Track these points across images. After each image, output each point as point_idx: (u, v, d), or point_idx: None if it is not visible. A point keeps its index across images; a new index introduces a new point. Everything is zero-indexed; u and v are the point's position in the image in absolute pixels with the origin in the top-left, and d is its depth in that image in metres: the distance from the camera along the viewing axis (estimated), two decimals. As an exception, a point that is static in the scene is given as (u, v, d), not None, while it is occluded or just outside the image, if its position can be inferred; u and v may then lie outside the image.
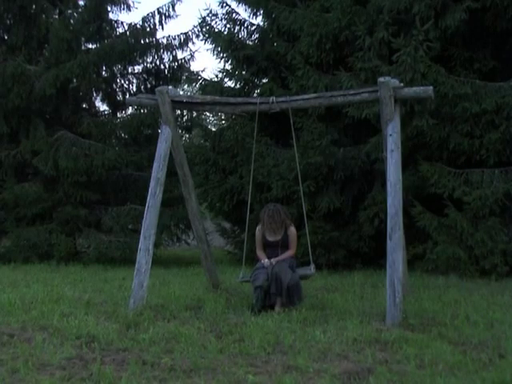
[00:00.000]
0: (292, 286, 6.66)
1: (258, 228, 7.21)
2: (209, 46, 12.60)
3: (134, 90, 14.36)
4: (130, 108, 14.40)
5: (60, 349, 4.91)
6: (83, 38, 13.57)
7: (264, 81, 12.59)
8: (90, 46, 14.06)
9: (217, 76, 12.88)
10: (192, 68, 14.72)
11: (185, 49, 14.25)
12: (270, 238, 7.09)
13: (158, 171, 7.16)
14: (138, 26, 13.53)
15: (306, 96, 7.42)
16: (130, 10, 14.30)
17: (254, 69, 12.37)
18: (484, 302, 7.10)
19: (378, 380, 4.13)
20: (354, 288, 8.33)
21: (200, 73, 13.45)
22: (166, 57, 14.28)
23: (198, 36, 13.70)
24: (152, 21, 13.59)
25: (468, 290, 8.20)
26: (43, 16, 13.54)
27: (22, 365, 4.43)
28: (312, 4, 11.17)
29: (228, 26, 12.76)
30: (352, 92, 7.06)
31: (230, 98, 8.18)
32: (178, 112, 12.15)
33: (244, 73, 12.58)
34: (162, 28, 13.85)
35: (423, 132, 10.01)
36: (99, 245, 12.36)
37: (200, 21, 12.85)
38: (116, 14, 14.29)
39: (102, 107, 15.24)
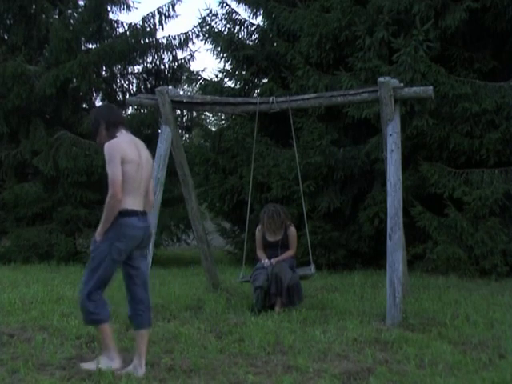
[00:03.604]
0: (292, 286, 6.66)
1: (257, 228, 7.20)
2: (209, 45, 12.61)
3: (134, 89, 14.36)
4: (130, 108, 14.40)
5: (60, 349, 4.91)
6: (83, 38, 13.56)
7: (264, 81, 12.59)
8: (90, 46, 14.06)
9: (217, 76, 12.87)
10: (192, 68, 14.74)
11: (185, 49, 14.25)
12: (270, 239, 7.09)
13: (158, 171, 7.16)
14: (138, 26, 13.53)
15: (306, 96, 7.42)
16: (130, 10, 14.31)
17: (253, 69, 12.36)
18: (484, 302, 7.10)
19: (378, 380, 4.13)
20: (354, 288, 8.33)
21: (200, 73, 13.43)
22: (166, 57, 14.29)
23: (198, 36, 13.70)
24: (152, 21, 13.59)
25: (468, 289, 8.20)
26: (43, 16, 13.54)
27: (22, 365, 4.43)
28: (312, 4, 11.17)
29: (228, 26, 12.76)
30: (352, 92, 7.06)
31: (230, 97, 8.18)
32: (178, 112, 12.14)
33: (244, 73, 12.57)
34: (162, 28, 13.87)
35: (423, 132, 10.01)
36: (99, 245, 12.35)
37: (200, 21, 12.84)
38: (116, 14, 14.34)
39: (102, 107, 15.23)
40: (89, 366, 4.37)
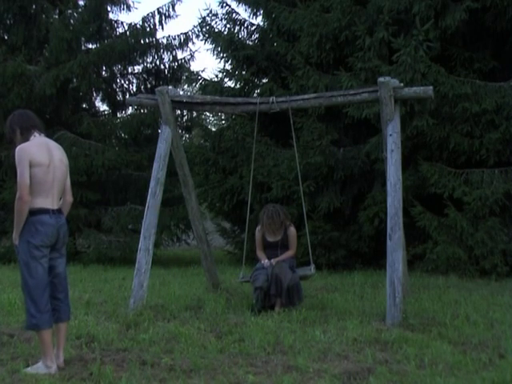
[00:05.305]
0: (292, 287, 6.65)
1: (257, 229, 7.20)
2: (209, 46, 12.61)
3: (134, 89, 14.38)
4: (130, 108, 14.41)
5: (60, 349, 4.91)
6: (83, 38, 13.58)
7: (264, 81, 12.58)
8: (90, 46, 14.08)
9: (217, 76, 12.88)
10: (192, 68, 14.77)
11: (185, 49, 14.29)
12: (270, 239, 7.08)
13: (158, 171, 7.16)
14: (137, 26, 13.55)
15: (305, 96, 7.41)
16: (129, 10, 14.36)
17: (253, 69, 12.36)
18: (484, 302, 7.10)
19: (378, 380, 4.12)
20: (354, 288, 8.33)
21: (200, 73, 13.43)
22: (166, 57, 14.32)
23: (198, 36, 13.73)
24: (152, 21, 13.61)
25: (468, 290, 8.20)
26: (43, 16, 13.55)
27: (22, 365, 4.44)
28: (312, 4, 11.17)
29: (228, 26, 12.76)
30: (352, 92, 7.05)
31: (230, 98, 8.17)
32: (178, 112, 12.14)
33: (244, 73, 12.57)
34: (162, 28, 13.93)
35: (423, 132, 10.01)
36: (99, 245, 12.36)
37: (200, 21, 12.84)
38: (116, 14, 14.40)
39: (102, 107, 15.29)
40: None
